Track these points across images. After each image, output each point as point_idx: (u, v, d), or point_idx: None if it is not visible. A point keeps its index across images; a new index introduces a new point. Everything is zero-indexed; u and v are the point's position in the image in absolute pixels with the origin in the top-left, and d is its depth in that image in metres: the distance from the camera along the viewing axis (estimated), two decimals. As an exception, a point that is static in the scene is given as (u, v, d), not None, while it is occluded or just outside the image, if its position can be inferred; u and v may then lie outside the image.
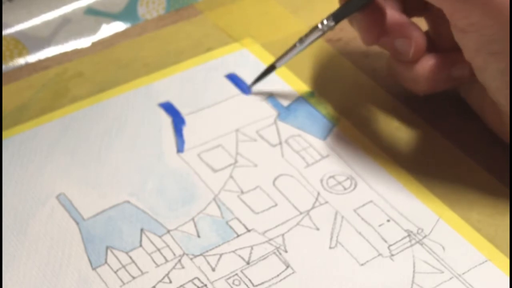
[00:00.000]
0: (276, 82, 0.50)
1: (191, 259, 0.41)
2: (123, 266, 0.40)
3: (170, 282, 0.40)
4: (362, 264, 0.40)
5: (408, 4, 0.47)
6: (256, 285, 0.39)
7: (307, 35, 0.47)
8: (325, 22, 0.46)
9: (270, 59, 0.51)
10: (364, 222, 0.42)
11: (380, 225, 0.42)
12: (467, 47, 0.41)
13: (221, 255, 0.41)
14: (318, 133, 0.47)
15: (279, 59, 0.48)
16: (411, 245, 0.41)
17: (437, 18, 0.45)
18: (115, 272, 0.40)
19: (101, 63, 0.52)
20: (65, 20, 0.54)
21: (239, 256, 0.41)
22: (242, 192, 0.44)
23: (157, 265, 0.40)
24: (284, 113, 0.48)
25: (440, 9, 0.41)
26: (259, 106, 0.48)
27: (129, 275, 0.40)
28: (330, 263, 0.40)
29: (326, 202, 0.43)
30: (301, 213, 0.43)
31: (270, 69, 0.49)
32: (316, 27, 0.46)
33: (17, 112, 0.49)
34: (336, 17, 0.46)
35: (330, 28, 0.46)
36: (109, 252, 0.41)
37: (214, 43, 0.53)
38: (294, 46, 0.47)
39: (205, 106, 0.48)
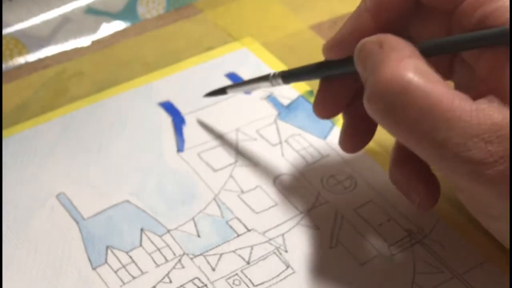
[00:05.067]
0: (276, 81, 0.50)
1: (191, 258, 0.41)
2: (123, 266, 0.40)
3: (170, 282, 0.40)
4: (362, 264, 0.40)
5: None
6: (256, 285, 0.39)
7: (257, 80, 0.44)
8: (273, 75, 0.43)
9: (270, 58, 0.52)
10: (364, 222, 0.42)
11: (380, 225, 0.42)
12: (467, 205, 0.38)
13: (221, 255, 0.41)
14: (318, 132, 0.47)
15: (232, 86, 0.46)
16: (411, 245, 0.41)
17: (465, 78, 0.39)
18: (115, 272, 0.40)
19: (101, 62, 0.52)
20: (65, 19, 0.54)
21: (239, 256, 0.41)
22: (242, 192, 0.44)
23: (157, 265, 0.40)
24: (284, 113, 0.48)
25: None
26: (259, 105, 0.48)
27: (129, 275, 0.40)
28: (330, 263, 0.40)
29: (326, 202, 0.43)
30: (301, 212, 0.43)
31: (222, 91, 0.46)
32: (267, 76, 0.43)
33: (17, 111, 0.49)
34: (285, 77, 0.43)
35: (280, 84, 0.43)
36: (109, 251, 0.41)
37: (214, 42, 0.53)
38: (247, 81, 0.45)
39: (205, 106, 0.48)
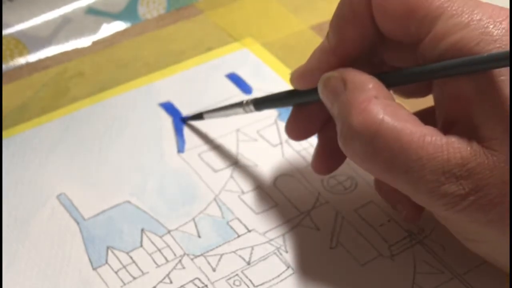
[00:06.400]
0: (277, 81, 0.50)
1: (191, 259, 0.41)
2: (124, 266, 0.40)
3: (171, 282, 0.40)
4: (362, 265, 0.40)
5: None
6: (257, 286, 0.39)
7: (231, 107, 0.45)
8: (246, 102, 0.43)
9: (271, 59, 0.52)
10: (364, 222, 0.42)
11: (380, 225, 0.42)
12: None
13: (221, 255, 0.41)
14: (318, 133, 0.47)
15: (208, 112, 0.46)
16: (412, 245, 0.41)
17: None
18: (116, 272, 0.40)
19: (102, 62, 0.52)
20: (65, 20, 0.54)
21: (240, 256, 0.41)
22: (243, 192, 0.44)
23: (158, 265, 0.40)
24: (285, 113, 0.48)
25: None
26: (259, 106, 0.48)
27: (129, 275, 0.40)
28: (331, 263, 0.40)
29: (327, 202, 0.43)
30: (301, 213, 0.43)
31: (199, 116, 0.47)
32: (240, 103, 0.44)
33: (18, 112, 0.49)
34: (257, 105, 0.43)
35: (252, 111, 0.44)
36: (109, 252, 0.41)
37: (215, 42, 0.53)
38: (221, 108, 0.45)
39: (206, 106, 0.48)
